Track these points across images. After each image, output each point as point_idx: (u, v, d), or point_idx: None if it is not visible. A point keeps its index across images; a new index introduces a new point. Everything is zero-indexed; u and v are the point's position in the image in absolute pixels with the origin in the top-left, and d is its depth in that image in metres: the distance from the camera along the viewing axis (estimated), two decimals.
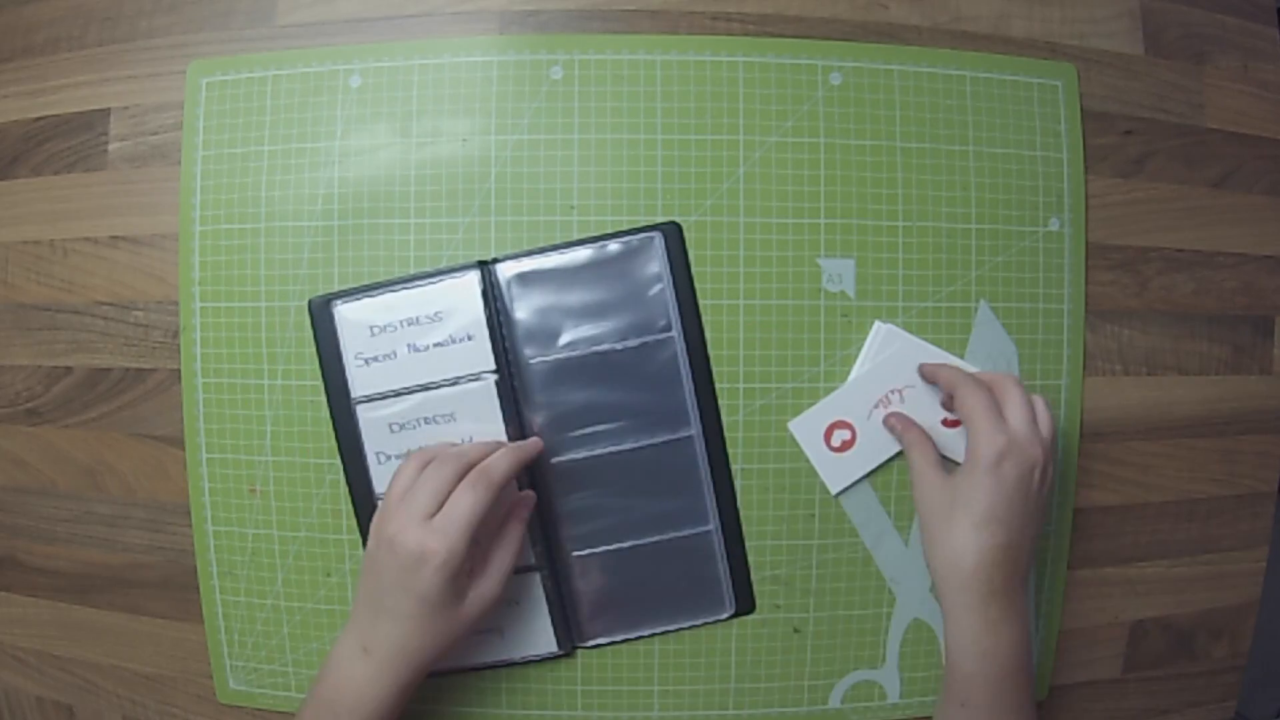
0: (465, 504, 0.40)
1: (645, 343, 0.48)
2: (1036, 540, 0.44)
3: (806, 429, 0.49)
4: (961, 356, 0.50)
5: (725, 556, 0.49)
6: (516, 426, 0.48)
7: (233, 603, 0.51)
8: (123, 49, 0.53)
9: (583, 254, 0.48)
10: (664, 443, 0.49)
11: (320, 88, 0.50)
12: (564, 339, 0.48)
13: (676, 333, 0.48)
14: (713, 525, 0.49)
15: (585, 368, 0.48)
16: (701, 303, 0.49)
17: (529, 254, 0.49)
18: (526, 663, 0.50)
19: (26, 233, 0.54)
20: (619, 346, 0.48)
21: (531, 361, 0.48)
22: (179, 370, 0.51)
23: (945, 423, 0.50)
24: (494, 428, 0.48)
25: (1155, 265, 0.53)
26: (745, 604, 0.50)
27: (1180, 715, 0.56)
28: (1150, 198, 0.53)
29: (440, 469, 0.41)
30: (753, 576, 0.50)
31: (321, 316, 0.49)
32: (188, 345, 0.51)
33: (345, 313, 0.48)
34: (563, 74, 0.50)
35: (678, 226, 0.49)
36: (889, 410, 0.49)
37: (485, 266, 0.48)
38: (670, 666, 0.50)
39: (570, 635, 0.50)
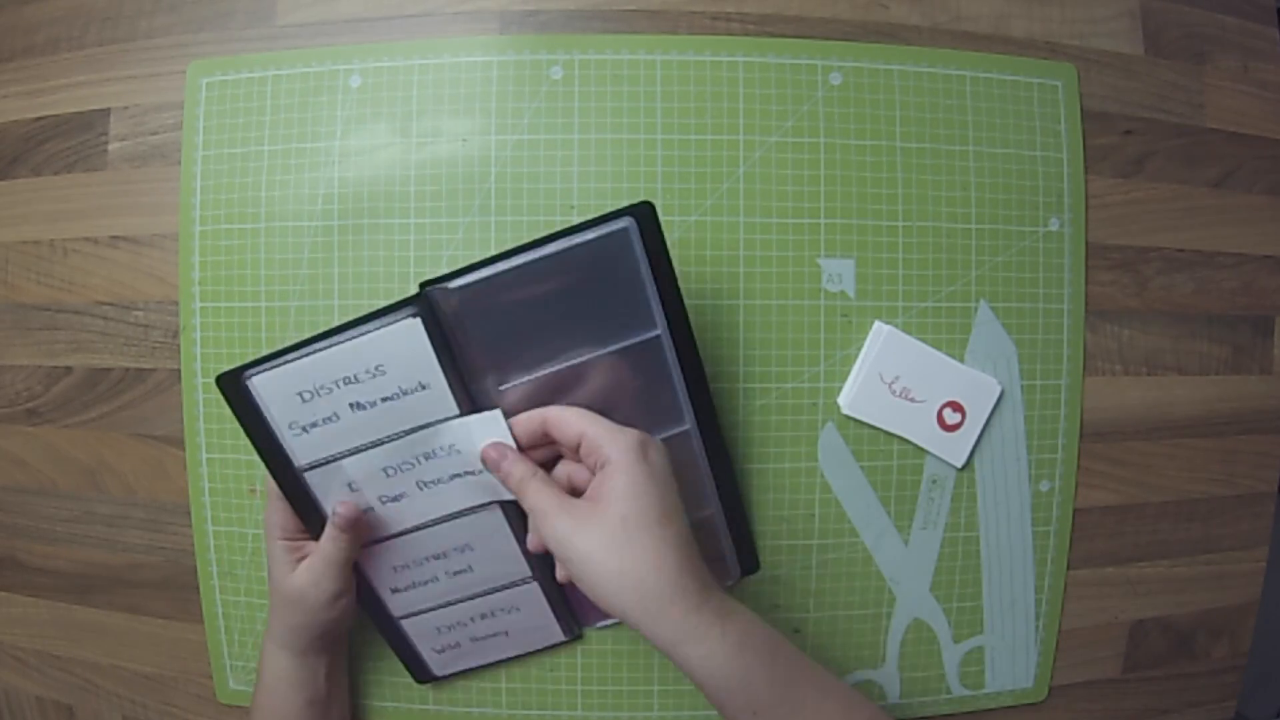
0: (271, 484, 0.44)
1: (627, 345, 0.43)
2: None
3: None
4: (961, 357, 0.50)
5: (734, 545, 0.49)
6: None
7: (233, 603, 0.51)
8: (123, 49, 0.53)
9: (546, 252, 0.41)
10: (661, 441, 0.47)
11: (320, 88, 0.50)
12: (537, 354, 0.42)
13: (661, 329, 0.43)
14: (717, 519, 0.48)
15: (565, 384, 0.43)
16: (702, 303, 0.49)
17: (481, 265, 0.41)
18: (530, 656, 0.50)
19: (26, 233, 0.54)
20: (600, 353, 0.43)
21: (502, 389, 0.43)
22: (179, 370, 0.51)
23: (943, 426, 0.50)
24: (472, 460, 0.43)
25: (1155, 265, 0.53)
26: (750, 563, 0.50)
27: (1180, 715, 0.56)
28: (1150, 198, 0.53)
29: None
30: (756, 542, 0.50)
31: (234, 392, 0.41)
32: (188, 345, 0.51)
33: (261, 384, 0.41)
34: (563, 74, 0.50)
35: (650, 206, 0.41)
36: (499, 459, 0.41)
37: (429, 291, 0.41)
38: (670, 666, 0.50)
39: (577, 621, 0.50)
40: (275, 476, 0.43)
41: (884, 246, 0.50)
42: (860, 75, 0.50)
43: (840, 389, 0.50)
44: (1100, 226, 0.52)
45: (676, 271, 0.42)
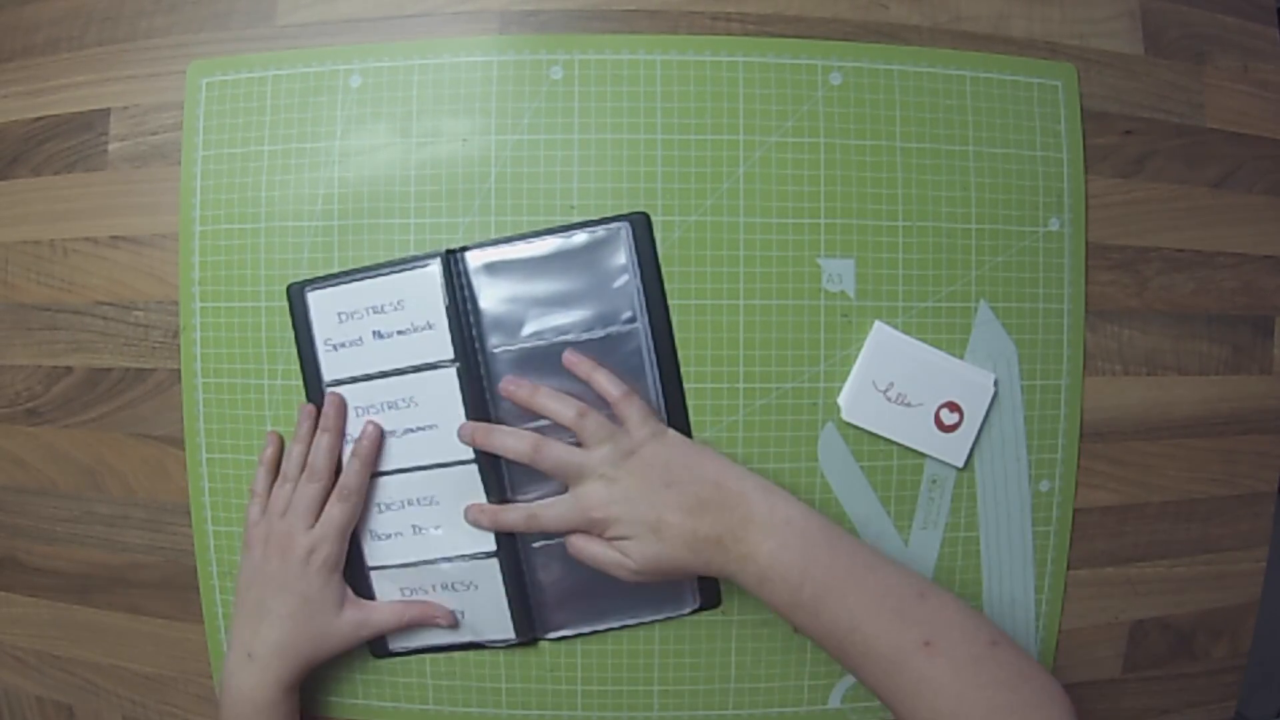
0: (336, 513, 0.47)
1: (610, 334, 0.48)
2: (701, 455, 0.45)
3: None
4: (961, 357, 0.50)
5: None
6: (480, 415, 0.48)
7: (233, 603, 0.51)
8: (123, 49, 0.53)
9: (550, 244, 0.49)
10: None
11: (320, 88, 0.50)
12: (529, 328, 0.48)
13: (642, 324, 0.48)
14: None
15: (550, 357, 0.48)
16: (701, 303, 0.49)
17: (495, 243, 0.49)
18: (490, 649, 0.50)
19: (26, 233, 0.54)
20: (584, 337, 0.48)
21: (496, 350, 0.48)
22: (179, 370, 0.51)
23: (941, 427, 0.50)
24: (454, 414, 0.48)
25: (1155, 265, 0.53)
26: (710, 599, 0.50)
27: (1180, 715, 0.56)
28: (1150, 198, 0.53)
29: (310, 486, 0.48)
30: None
31: (297, 301, 0.50)
32: (188, 345, 0.51)
33: (316, 299, 0.49)
34: (563, 74, 0.50)
35: (646, 216, 0.49)
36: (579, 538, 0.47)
37: (452, 256, 0.48)
38: (670, 666, 0.50)
39: (532, 625, 0.50)
40: (308, 387, 0.50)
41: (884, 246, 0.50)
42: (860, 75, 0.50)
43: (840, 389, 0.50)
44: (1100, 226, 0.52)
45: (662, 274, 0.49)
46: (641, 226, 0.48)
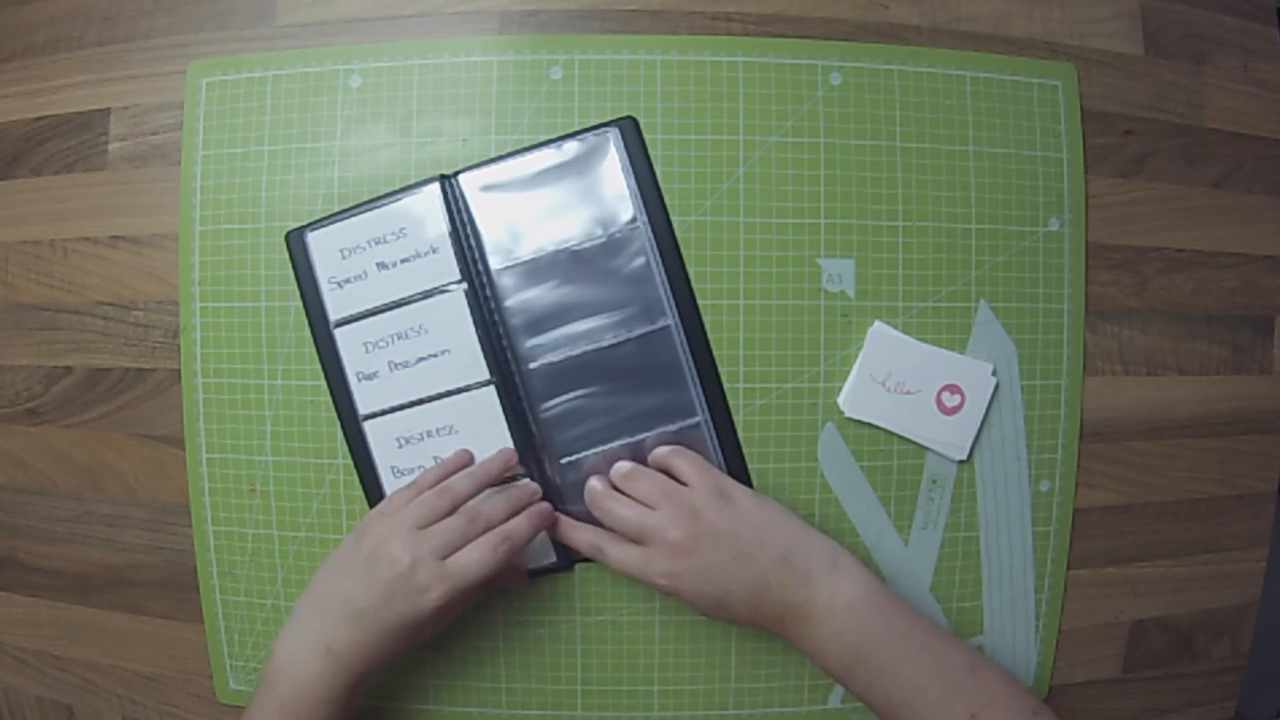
0: (477, 559, 0.42)
1: (612, 236, 0.48)
2: (769, 520, 0.45)
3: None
4: (961, 356, 0.50)
5: (719, 449, 0.49)
6: (490, 334, 0.48)
7: (233, 603, 0.51)
8: (123, 49, 0.53)
9: (542, 158, 0.49)
10: (642, 336, 0.48)
11: (320, 88, 0.50)
12: (531, 242, 0.48)
13: (643, 223, 0.48)
14: (701, 417, 0.49)
15: (555, 267, 0.48)
16: (701, 303, 0.49)
17: (488, 163, 0.49)
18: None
19: (26, 233, 0.54)
20: (586, 243, 0.48)
21: (500, 268, 0.48)
22: (179, 370, 0.51)
23: (943, 409, 0.50)
24: (466, 337, 0.48)
25: (1155, 265, 0.53)
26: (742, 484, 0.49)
27: (1180, 715, 0.56)
28: (1150, 198, 0.53)
29: (463, 523, 0.43)
30: (752, 474, 0.50)
31: (297, 246, 0.50)
32: (188, 345, 0.51)
33: (317, 238, 0.49)
34: (563, 74, 0.50)
35: (634, 120, 0.49)
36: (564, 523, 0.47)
37: (446, 180, 0.49)
38: (670, 666, 0.50)
39: (567, 550, 0.49)
40: (314, 330, 0.50)
41: (884, 246, 0.50)
42: (860, 75, 0.50)
43: (840, 389, 0.50)
44: (1100, 226, 0.52)
45: (658, 176, 0.49)
46: (630, 130, 0.49)
